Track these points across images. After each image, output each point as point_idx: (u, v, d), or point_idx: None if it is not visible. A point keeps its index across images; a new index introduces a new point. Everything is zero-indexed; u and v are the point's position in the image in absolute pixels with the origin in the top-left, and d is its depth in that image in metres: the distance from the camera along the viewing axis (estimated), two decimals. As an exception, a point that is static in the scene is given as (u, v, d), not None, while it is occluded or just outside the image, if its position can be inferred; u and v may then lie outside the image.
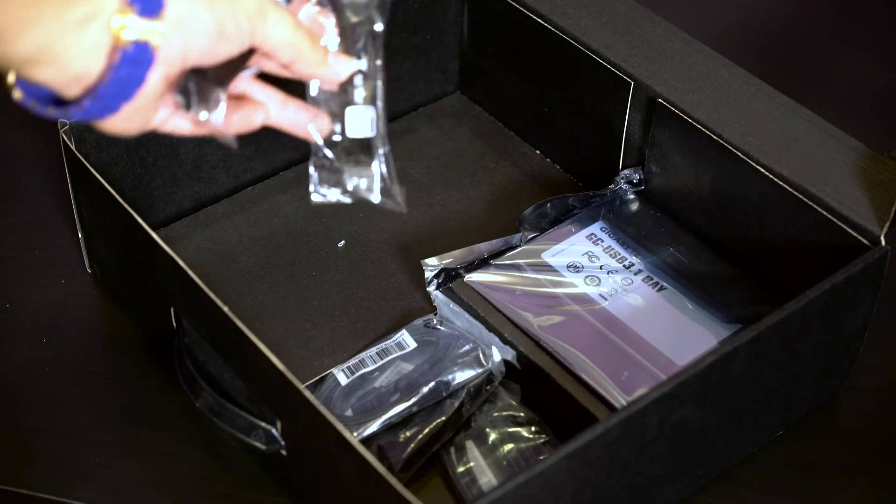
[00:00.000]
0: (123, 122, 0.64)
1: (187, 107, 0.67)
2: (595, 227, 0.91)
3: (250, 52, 0.68)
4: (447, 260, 0.88)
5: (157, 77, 0.62)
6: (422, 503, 0.65)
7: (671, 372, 0.79)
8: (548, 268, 0.88)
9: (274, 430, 0.75)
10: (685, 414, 0.73)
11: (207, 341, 0.78)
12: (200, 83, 0.66)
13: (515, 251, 0.89)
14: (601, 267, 0.88)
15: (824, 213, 0.80)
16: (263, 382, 0.73)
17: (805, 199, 0.81)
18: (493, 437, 0.78)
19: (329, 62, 0.70)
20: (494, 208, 0.97)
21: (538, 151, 1.02)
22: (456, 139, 1.03)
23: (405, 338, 0.83)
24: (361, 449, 0.67)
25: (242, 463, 0.81)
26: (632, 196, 0.93)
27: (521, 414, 0.80)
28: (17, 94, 0.63)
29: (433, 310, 0.88)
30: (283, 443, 0.75)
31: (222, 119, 0.67)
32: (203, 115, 0.67)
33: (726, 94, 0.88)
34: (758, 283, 0.87)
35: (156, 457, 0.82)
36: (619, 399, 0.79)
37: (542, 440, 0.78)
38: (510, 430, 0.79)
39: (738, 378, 0.74)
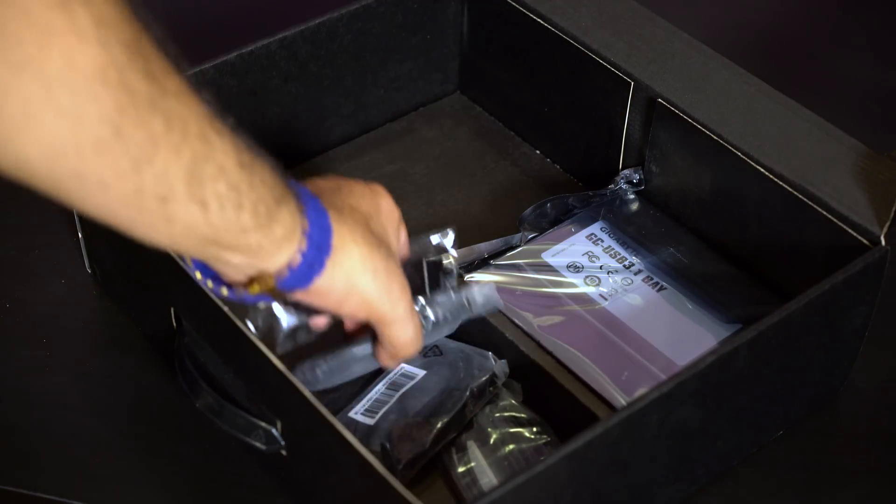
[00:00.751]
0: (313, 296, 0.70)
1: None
2: (595, 227, 0.91)
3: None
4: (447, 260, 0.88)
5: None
6: (422, 503, 0.65)
7: (671, 372, 0.79)
8: (548, 268, 0.88)
9: (274, 430, 0.75)
10: (685, 414, 0.73)
11: (207, 341, 0.78)
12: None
13: (515, 251, 0.89)
14: (601, 267, 0.88)
15: (824, 213, 0.80)
16: (263, 382, 0.73)
17: (805, 199, 0.81)
18: (494, 437, 0.78)
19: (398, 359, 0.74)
20: (494, 208, 0.97)
21: (538, 151, 1.02)
22: (456, 139, 1.03)
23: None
24: (361, 449, 0.67)
25: (242, 463, 0.81)
26: (632, 196, 0.93)
27: (523, 414, 0.80)
28: (198, 276, 0.68)
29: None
30: (283, 443, 0.75)
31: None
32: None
33: (726, 94, 0.88)
34: (758, 283, 0.87)
35: (156, 457, 0.82)
36: (619, 399, 0.79)
37: (543, 441, 0.78)
38: (511, 430, 0.79)
39: (738, 378, 0.74)
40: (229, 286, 0.67)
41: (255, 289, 0.65)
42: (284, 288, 0.65)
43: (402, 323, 0.71)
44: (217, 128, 0.58)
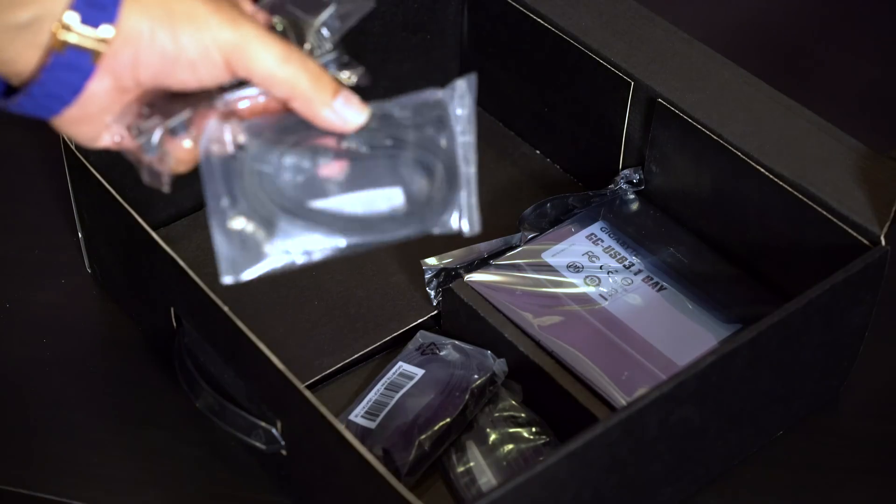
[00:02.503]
0: (71, 125, 0.63)
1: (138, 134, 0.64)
2: (595, 227, 0.91)
3: (240, 85, 0.63)
4: (447, 260, 0.88)
5: (102, 87, 0.61)
6: (422, 503, 0.65)
7: (671, 372, 0.79)
8: (548, 268, 0.88)
9: (274, 430, 0.75)
10: (685, 414, 0.73)
11: (207, 341, 0.78)
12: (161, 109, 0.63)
13: (515, 251, 0.89)
14: (601, 267, 0.88)
15: (824, 213, 0.80)
16: (263, 382, 0.73)
17: (805, 199, 0.81)
18: (493, 437, 0.78)
19: (335, 106, 0.63)
20: (494, 208, 0.97)
21: (538, 151, 1.02)
22: (456, 139, 1.03)
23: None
24: (361, 449, 0.67)
25: (242, 463, 0.81)
26: (632, 196, 0.93)
27: (522, 414, 0.80)
28: None
29: (433, 310, 0.88)
30: (283, 443, 0.75)
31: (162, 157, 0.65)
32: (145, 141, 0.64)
33: (726, 94, 0.88)
34: (758, 283, 0.87)
35: (156, 457, 0.82)
36: (620, 399, 0.79)
37: (542, 441, 0.78)
38: (511, 430, 0.79)
39: (738, 378, 0.74)
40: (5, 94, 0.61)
41: (61, 38, 0.58)
42: (89, 21, 0.58)
43: (256, 43, 0.61)
44: None
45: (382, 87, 1.02)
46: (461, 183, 0.66)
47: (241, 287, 0.89)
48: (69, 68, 0.60)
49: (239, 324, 0.72)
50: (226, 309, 0.73)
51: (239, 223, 0.63)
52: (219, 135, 0.63)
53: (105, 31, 0.59)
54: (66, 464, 0.81)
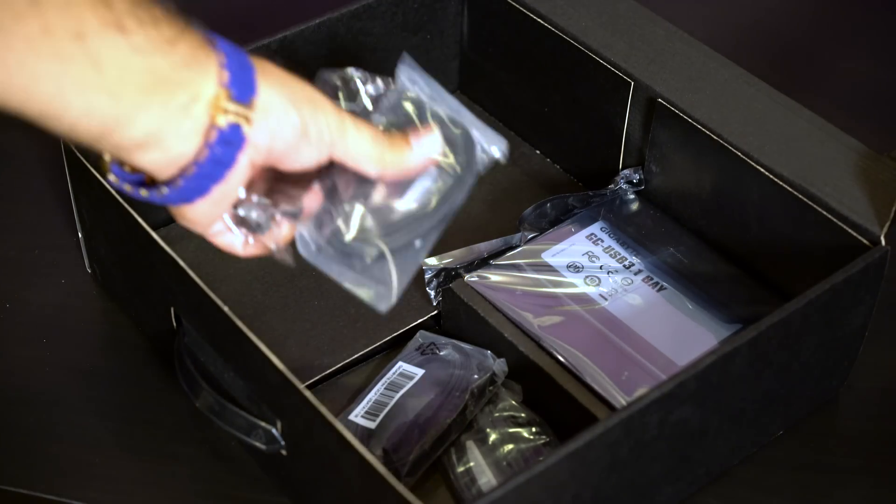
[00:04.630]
0: (208, 207, 0.66)
1: (256, 228, 0.70)
2: (595, 227, 0.91)
3: (320, 171, 0.69)
4: (447, 260, 0.88)
5: (245, 161, 0.64)
6: (422, 503, 0.65)
7: (671, 372, 0.79)
8: (548, 268, 0.88)
9: (274, 430, 0.75)
10: (685, 414, 0.73)
11: (207, 341, 0.78)
12: (267, 206, 0.69)
13: (515, 251, 0.89)
14: (601, 267, 0.88)
15: (824, 213, 0.80)
16: (263, 382, 0.73)
17: (805, 199, 0.81)
18: (493, 437, 0.78)
19: (414, 152, 0.70)
20: (494, 208, 0.97)
21: (538, 151, 1.02)
22: (456, 139, 1.03)
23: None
24: (361, 449, 0.67)
25: (242, 463, 0.81)
26: (632, 196, 0.93)
27: (522, 414, 0.80)
28: (112, 178, 0.65)
29: (433, 310, 0.88)
30: (283, 443, 0.75)
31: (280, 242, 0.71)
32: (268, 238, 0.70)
33: (726, 94, 0.88)
34: (758, 283, 0.87)
35: (156, 457, 0.82)
36: (620, 399, 0.79)
37: (542, 441, 0.78)
38: (511, 430, 0.79)
39: (738, 378, 0.74)
40: (148, 184, 0.64)
41: (222, 117, 0.61)
42: (239, 95, 0.62)
43: (353, 127, 0.67)
44: None
45: (382, 87, 1.02)
46: (468, 127, 0.72)
47: (241, 287, 0.90)
48: (227, 142, 0.62)
49: (239, 324, 0.72)
50: (226, 309, 0.73)
51: (363, 278, 0.71)
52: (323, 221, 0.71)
53: (251, 104, 0.63)
54: (66, 464, 0.81)
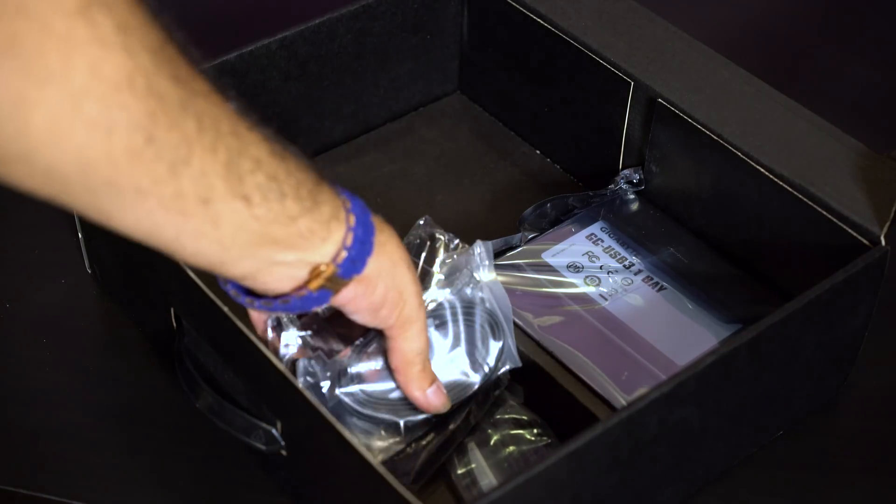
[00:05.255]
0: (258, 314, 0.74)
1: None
2: (595, 227, 0.91)
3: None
4: (447, 260, 0.88)
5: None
6: (422, 503, 0.65)
7: (671, 372, 0.79)
8: (548, 268, 0.88)
9: (274, 430, 0.75)
10: (685, 414, 0.73)
11: (207, 341, 0.78)
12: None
13: (515, 251, 0.89)
14: (601, 267, 0.88)
15: (824, 213, 0.80)
16: (263, 382, 0.73)
17: (805, 199, 0.81)
18: (494, 438, 0.78)
19: (428, 393, 0.75)
20: (494, 208, 0.97)
21: (538, 151, 1.02)
22: (456, 139, 1.03)
23: None
24: (361, 449, 0.67)
25: (242, 463, 0.81)
26: (632, 196, 0.93)
27: (524, 416, 0.80)
28: (223, 283, 0.68)
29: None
30: (283, 443, 0.75)
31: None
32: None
33: (726, 94, 0.88)
34: (758, 283, 0.87)
35: (156, 457, 0.82)
36: (619, 399, 0.79)
37: (543, 443, 0.78)
38: (512, 432, 0.79)
39: (738, 378, 0.74)
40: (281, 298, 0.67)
41: (316, 284, 0.65)
42: (344, 273, 0.65)
43: (419, 327, 0.72)
44: (246, 123, 0.59)
45: (382, 87, 1.02)
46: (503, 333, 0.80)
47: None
48: (314, 301, 0.66)
49: (239, 324, 0.72)
50: (226, 309, 0.73)
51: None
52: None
53: (353, 279, 0.67)
54: (66, 464, 0.81)
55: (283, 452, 0.75)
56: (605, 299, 0.86)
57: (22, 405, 0.85)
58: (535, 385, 0.81)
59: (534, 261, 0.88)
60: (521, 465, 0.77)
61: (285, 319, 0.74)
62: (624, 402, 0.78)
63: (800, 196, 0.81)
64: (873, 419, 0.85)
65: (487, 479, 0.76)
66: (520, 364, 0.80)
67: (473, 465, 0.77)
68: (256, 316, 0.75)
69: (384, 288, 0.68)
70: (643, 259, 0.89)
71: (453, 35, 1.04)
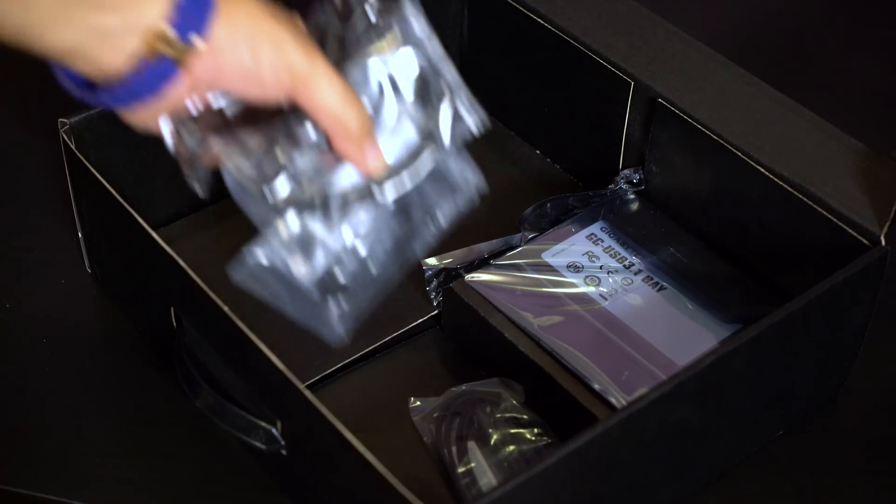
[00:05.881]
0: (134, 113, 0.66)
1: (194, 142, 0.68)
2: (595, 227, 0.91)
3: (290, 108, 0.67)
4: (447, 260, 0.88)
5: (178, 89, 0.63)
6: (422, 503, 0.65)
7: (671, 372, 0.79)
8: (548, 268, 0.88)
9: (274, 430, 0.75)
10: (685, 414, 0.73)
11: (207, 341, 0.78)
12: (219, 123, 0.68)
13: (515, 251, 0.89)
14: (601, 267, 0.88)
15: (824, 213, 0.80)
16: (263, 382, 0.73)
17: (805, 199, 0.81)
18: (495, 438, 0.78)
19: (368, 154, 0.69)
20: (494, 208, 0.97)
21: (538, 151, 1.02)
22: (456, 139, 1.03)
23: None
24: (361, 449, 0.67)
25: (242, 463, 0.81)
26: (632, 196, 0.93)
27: (524, 415, 0.80)
28: (60, 76, 0.64)
29: (433, 310, 0.88)
30: (283, 443, 0.75)
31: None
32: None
33: (726, 94, 0.88)
34: (758, 283, 0.87)
35: (156, 457, 0.82)
36: (619, 399, 0.79)
37: (544, 443, 0.78)
38: (512, 431, 0.79)
39: (738, 378, 0.74)
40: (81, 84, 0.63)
41: (150, 49, 0.60)
42: (182, 33, 0.60)
43: (325, 79, 0.65)
44: None
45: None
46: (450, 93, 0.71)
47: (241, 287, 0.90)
48: (156, 75, 0.62)
49: (239, 324, 0.72)
50: (226, 309, 0.73)
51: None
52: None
53: (196, 43, 0.61)
54: (66, 464, 0.81)
55: (283, 452, 0.75)
56: (605, 299, 0.86)
57: (22, 405, 0.85)
58: (535, 385, 0.81)
59: (534, 261, 0.88)
60: (521, 465, 0.77)
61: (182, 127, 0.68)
62: (624, 402, 0.78)
63: (800, 196, 0.81)
64: (873, 419, 0.85)
65: (487, 478, 0.76)
66: (486, 121, 0.73)
67: (473, 465, 0.77)
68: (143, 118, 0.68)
69: (249, 48, 0.63)
70: (643, 259, 0.89)
71: (453, 35, 1.04)
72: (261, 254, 0.69)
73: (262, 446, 0.75)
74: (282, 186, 0.68)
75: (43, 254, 0.94)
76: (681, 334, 0.83)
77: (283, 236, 0.69)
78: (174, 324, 0.81)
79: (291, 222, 0.69)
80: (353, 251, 0.71)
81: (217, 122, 0.68)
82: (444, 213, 0.72)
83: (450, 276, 0.88)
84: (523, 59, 0.99)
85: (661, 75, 0.89)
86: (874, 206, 0.79)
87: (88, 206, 0.87)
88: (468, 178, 0.73)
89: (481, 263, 0.88)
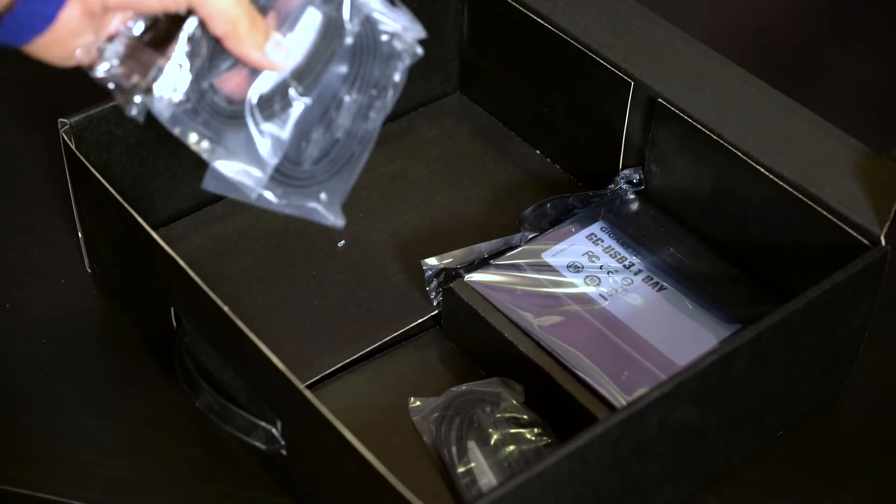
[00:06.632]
0: (42, 49, 0.65)
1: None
2: (595, 227, 0.91)
3: (186, 17, 0.66)
4: (447, 260, 0.88)
5: (72, 14, 0.63)
6: (422, 503, 0.65)
7: (671, 372, 0.79)
8: (548, 268, 0.88)
9: (274, 430, 0.75)
10: (685, 414, 0.73)
11: (207, 341, 0.78)
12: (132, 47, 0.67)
13: (515, 251, 0.89)
14: (601, 267, 0.88)
15: (824, 213, 0.80)
16: (263, 382, 0.73)
17: (805, 199, 0.81)
18: (495, 438, 0.78)
19: (266, 48, 0.67)
20: (494, 208, 0.97)
21: (538, 151, 1.02)
22: (456, 139, 1.03)
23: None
24: (361, 449, 0.67)
25: (242, 463, 0.81)
26: (632, 196, 0.93)
27: (524, 415, 0.80)
28: None
29: (433, 310, 0.88)
30: (283, 443, 0.75)
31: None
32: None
33: (726, 94, 0.88)
34: (758, 283, 0.87)
35: (156, 457, 0.82)
36: (619, 399, 0.79)
37: (544, 443, 0.78)
38: (512, 431, 0.79)
39: (738, 378, 0.74)
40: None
41: None
42: None
43: None
44: None
45: (382, 87, 1.02)
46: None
47: (241, 287, 0.90)
48: (43, 0, 0.61)
49: (239, 324, 0.72)
50: (226, 309, 0.73)
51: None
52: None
53: None
54: (66, 464, 0.81)
55: (283, 452, 0.75)
56: (605, 299, 0.86)
57: (22, 405, 0.85)
58: (535, 385, 0.81)
59: (534, 261, 0.88)
60: (521, 465, 0.77)
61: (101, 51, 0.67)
62: (624, 402, 0.78)
63: (800, 196, 0.81)
64: (873, 419, 0.85)
65: (487, 478, 0.76)
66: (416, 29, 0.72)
67: (473, 465, 0.77)
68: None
69: None
70: (643, 259, 0.89)
71: (453, 35, 1.04)
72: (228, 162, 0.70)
73: (262, 446, 0.75)
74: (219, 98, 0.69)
75: (43, 254, 0.94)
76: (681, 334, 0.83)
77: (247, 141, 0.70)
78: (174, 324, 0.81)
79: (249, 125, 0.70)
80: (310, 141, 0.71)
81: (134, 46, 0.68)
82: (393, 71, 0.72)
83: (450, 276, 0.88)
84: (523, 59, 0.99)
85: (661, 75, 0.89)
86: (874, 206, 0.79)
87: (88, 206, 0.87)
88: (404, 30, 0.72)
89: (481, 263, 0.88)
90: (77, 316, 0.90)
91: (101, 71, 0.67)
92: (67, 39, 0.65)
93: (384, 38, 0.71)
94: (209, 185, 0.70)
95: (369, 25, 0.71)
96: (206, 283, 0.75)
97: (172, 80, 0.68)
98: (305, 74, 0.70)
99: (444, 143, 1.03)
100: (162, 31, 0.68)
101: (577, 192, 0.93)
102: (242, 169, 0.70)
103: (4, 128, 1.05)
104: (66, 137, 0.84)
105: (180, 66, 0.67)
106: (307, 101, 0.70)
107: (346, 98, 0.71)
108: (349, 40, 0.70)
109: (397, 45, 0.72)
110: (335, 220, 0.71)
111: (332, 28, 0.70)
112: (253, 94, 0.69)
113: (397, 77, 0.72)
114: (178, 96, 0.68)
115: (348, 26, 0.70)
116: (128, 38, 0.68)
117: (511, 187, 0.99)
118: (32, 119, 1.04)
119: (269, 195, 0.71)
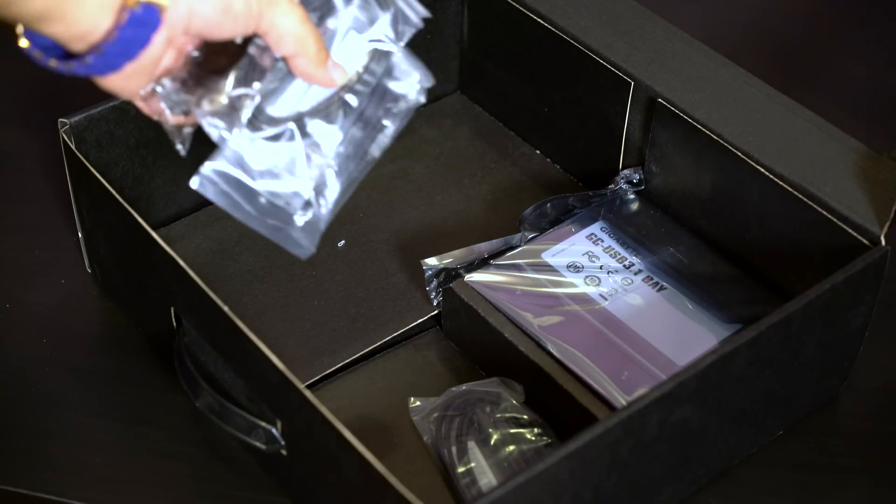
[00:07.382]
0: (124, 80, 0.65)
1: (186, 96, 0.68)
2: (595, 227, 0.91)
3: (247, 42, 0.68)
4: (447, 260, 0.88)
5: (160, 39, 0.64)
6: (422, 503, 0.65)
7: (671, 372, 0.79)
8: (548, 268, 0.88)
9: (274, 430, 0.75)
10: (685, 414, 0.73)
11: (207, 341, 0.78)
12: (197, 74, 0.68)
13: (515, 251, 0.89)
14: (601, 267, 0.88)
15: (824, 213, 0.80)
16: (263, 382, 0.73)
17: (805, 199, 0.81)
18: (495, 437, 0.78)
19: (328, 66, 0.70)
20: (494, 208, 0.97)
21: (538, 151, 1.02)
22: (456, 139, 1.03)
23: None
24: (361, 449, 0.67)
25: (242, 463, 0.81)
26: (632, 196, 0.93)
27: (525, 415, 0.80)
28: (24, 43, 0.64)
29: (433, 310, 0.88)
30: (283, 443, 0.75)
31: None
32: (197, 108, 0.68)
33: (726, 94, 0.88)
34: (758, 283, 0.87)
35: (156, 457, 0.82)
36: (619, 399, 0.79)
37: (544, 443, 0.78)
38: (512, 431, 0.79)
39: (738, 378, 0.74)
40: (61, 56, 0.63)
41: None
42: None
43: (286, 2, 0.67)
44: None
45: (382, 87, 1.02)
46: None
47: (241, 287, 0.90)
48: (141, 24, 0.62)
49: (239, 324, 0.72)
50: (226, 309, 0.73)
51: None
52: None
53: None
54: (66, 464, 0.81)
55: (283, 452, 0.75)
56: (605, 299, 0.86)
57: (22, 405, 0.85)
58: (535, 385, 0.81)
59: (534, 261, 0.88)
60: (521, 465, 0.77)
61: (160, 87, 0.69)
62: (624, 402, 0.78)
63: (800, 196, 0.81)
64: (873, 419, 0.85)
65: (487, 478, 0.76)
66: (426, 13, 0.75)
67: (473, 465, 0.77)
68: (144, 106, 0.70)
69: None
70: (643, 259, 0.89)
71: (453, 35, 1.04)
72: (223, 163, 0.70)
73: (262, 446, 0.75)
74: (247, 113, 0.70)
75: (43, 254, 0.94)
76: (681, 334, 0.83)
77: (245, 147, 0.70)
78: (174, 324, 0.81)
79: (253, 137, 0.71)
80: (322, 164, 0.73)
81: (188, 76, 0.69)
82: (397, 111, 0.74)
83: (450, 276, 0.88)
84: (523, 59, 0.99)
85: (661, 75, 0.89)
86: (874, 206, 0.79)
87: (88, 206, 0.87)
88: (415, 73, 0.74)
89: (481, 263, 0.88)
90: (77, 316, 0.90)
91: (163, 99, 0.69)
92: (150, 67, 0.66)
93: (393, 85, 0.74)
94: (204, 188, 0.71)
95: (387, 71, 0.74)
96: (206, 283, 0.75)
97: (234, 102, 0.69)
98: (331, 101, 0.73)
99: (444, 143, 1.03)
100: (212, 57, 0.69)
101: (577, 192, 0.93)
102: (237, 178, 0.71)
103: (4, 128, 1.05)
104: (66, 137, 0.84)
105: (244, 88, 0.69)
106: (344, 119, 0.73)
107: (350, 131, 0.73)
108: (371, 80, 0.73)
109: (409, 93, 0.75)
110: (309, 246, 0.73)
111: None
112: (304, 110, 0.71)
113: (398, 121, 0.74)
114: (245, 115, 0.69)
115: (375, 69, 0.73)
116: (190, 64, 0.69)
117: (511, 187, 0.99)
118: (32, 119, 1.04)
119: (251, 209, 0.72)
